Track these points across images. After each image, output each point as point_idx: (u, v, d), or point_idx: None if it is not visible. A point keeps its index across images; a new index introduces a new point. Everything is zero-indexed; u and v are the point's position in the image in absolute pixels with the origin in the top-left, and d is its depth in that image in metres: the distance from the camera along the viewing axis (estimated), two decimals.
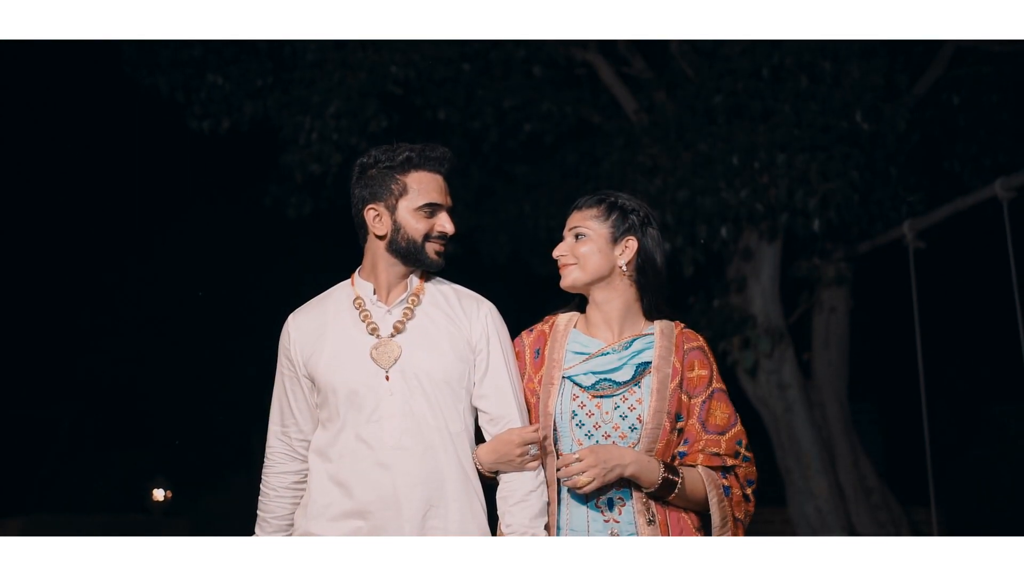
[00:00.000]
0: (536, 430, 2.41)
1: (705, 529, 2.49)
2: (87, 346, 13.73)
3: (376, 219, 2.46)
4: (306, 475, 2.50)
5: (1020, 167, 5.90)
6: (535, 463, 2.41)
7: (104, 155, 11.67)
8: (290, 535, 2.50)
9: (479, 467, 2.44)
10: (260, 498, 2.55)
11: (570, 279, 2.54)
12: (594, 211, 2.54)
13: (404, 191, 2.45)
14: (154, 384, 13.79)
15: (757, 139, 6.22)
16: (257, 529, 2.56)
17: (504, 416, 2.45)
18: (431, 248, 2.46)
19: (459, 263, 9.30)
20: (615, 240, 2.51)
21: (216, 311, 12.91)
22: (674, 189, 6.41)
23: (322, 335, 2.47)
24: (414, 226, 2.44)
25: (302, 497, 2.50)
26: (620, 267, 2.52)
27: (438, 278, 2.58)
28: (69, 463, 13.87)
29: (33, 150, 11.65)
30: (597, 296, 2.56)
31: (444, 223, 2.48)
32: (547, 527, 2.41)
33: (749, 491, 2.52)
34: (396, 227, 2.45)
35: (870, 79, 6.20)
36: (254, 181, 8.16)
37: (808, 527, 6.79)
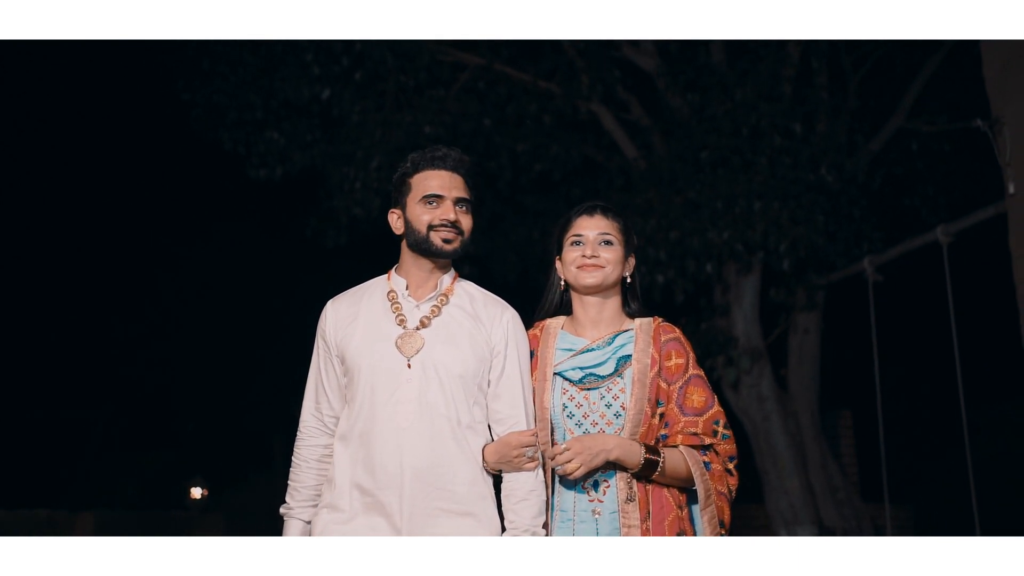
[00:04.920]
0: (534, 434, 2.54)
1: (688, 505, 2.64)
2: (125, 353, 14.52)
3: (396, 220, 2.67)
4: (332, 450, 2.62)
5: (971, 207, 6.77)
6: (532, 464, 2.53)
7: (149, 184, 12.51)
8: (315, 505, 2.62)
9: (484, 465, 2.56)
10: (292, 469, 2.67)
11: (599, 278, 2.67)
12: (617, 224, 2.73)
13: (410, 190, 2.63)
14: (187, 389, 14.60)
15: (738, 188, 7.10)
16: (288, 497, 2.66)
17: (511, 417, 2.58)
18: (436, 237, 2.58)
19: (475, 280, 10.16)
20: (627, 255, 2.74)
21: (244, 323, 13.68)
22: (667, 230, 7.33)
23: (355, 320, 2.61)
24: (419, 218, 2.59)
25: (327, 470, 2.62)
26: (626, 277, 2.75)
27: (469, 282, 2.73)
28: (108, 463, 14.64)
29: (91, 187, 12.45)
30: (598, 297, 2.71)
31: (446, 212, 2.59)
32: (545, 525, 2.56)
33: (731, 466, 2.64)
34: (407, 223, 2.62)
35: (834, 138, 7.16)
36: (296, 214, 9.09)
37: (782, 520, 7.70)
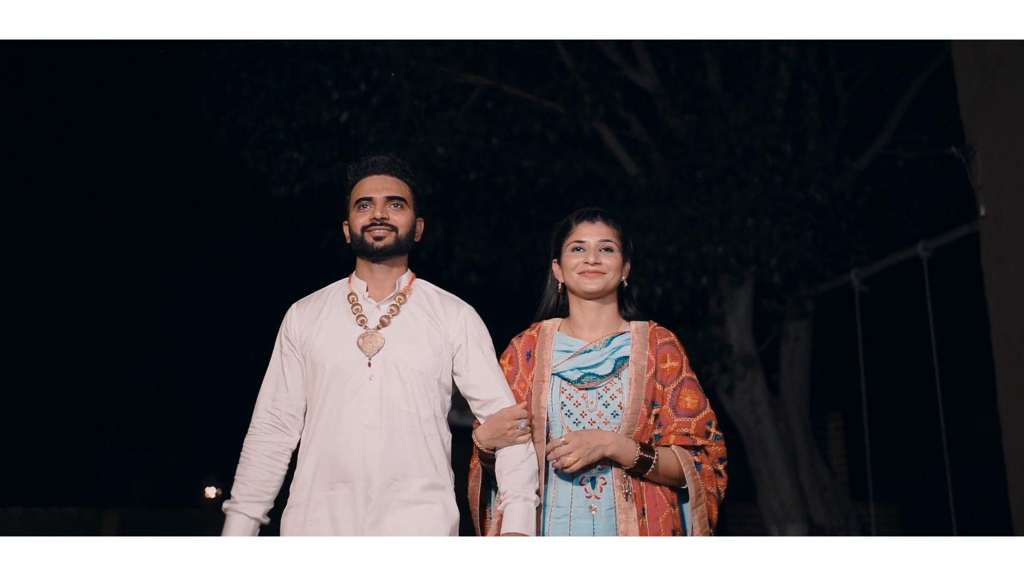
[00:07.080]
0: (525, 407, 2.63)
1: (680, 503, 2.70)
2: (140, 355, 14.83)
3: (345, 231, 2.77)
4: (284, 447, 2.68)
5: (956, 220, 7.10)
6: (525, 436, 2.60)
7: (166, 191, 12.84)
8: (263, 502, 2.65)
9: (478, 444, 2.65)
10: (240, 463, 2.69)
11: (600, 284, 2.72)
12: (616, 232, 2.77)
13: (349, 201, 2.72)
14: (200, 390, 14.89)
15: (732, 205, 7.49)
16: (233, 491, 2.68)
17: (494, 400, 2.66)
18: (368, 236, 2.66)
19: (481, 289, 10.56)
20: (624, 261, 2.78)
21: (257, 327, 13.97)
22: (665, 244, 7.73)
23: (319, 321, 2.69)
24: (355, 222, 2.69)
25: (277, 468, 2.67)
26: (623, 282, 2.79)
27: (426, 282, 2.79)
28: (125, 463, 14.93)
29: (110, 195, 12.77)
30: (597, 302, 2.76)
31: (375, 211, 2.66)
32: (538, 492, 2.60)
33: (721, 467, 2.69)
34: (350, 231, 2.72)
35: (823, 158, 7.57)
36: (312, 228, 9.48)
37: (774, 519, 8.09)
